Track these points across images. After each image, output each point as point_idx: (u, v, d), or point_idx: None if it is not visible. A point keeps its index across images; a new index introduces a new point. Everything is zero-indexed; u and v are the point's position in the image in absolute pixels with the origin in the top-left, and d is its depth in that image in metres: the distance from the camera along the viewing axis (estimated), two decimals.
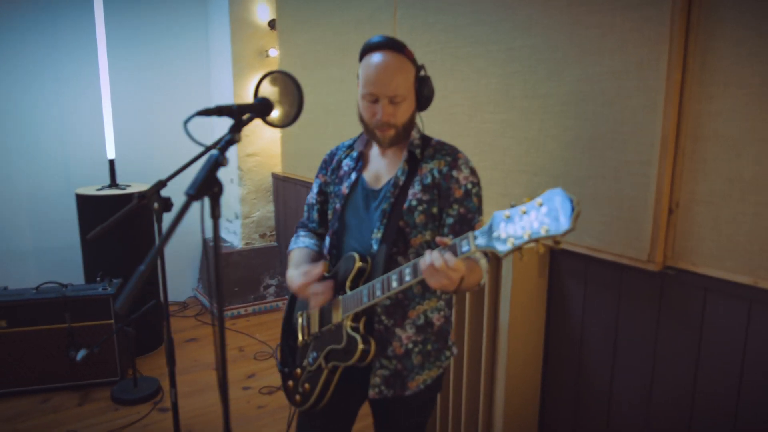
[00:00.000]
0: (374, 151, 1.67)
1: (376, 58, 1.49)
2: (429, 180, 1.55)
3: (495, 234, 1.16)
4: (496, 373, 2.28)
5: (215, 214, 1.11)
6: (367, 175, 1.66)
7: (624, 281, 1.98)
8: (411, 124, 1.57)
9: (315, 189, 1.81)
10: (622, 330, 2.01)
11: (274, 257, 4.40)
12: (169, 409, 3.05)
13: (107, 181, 3.69)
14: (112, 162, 3.65)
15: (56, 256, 4.02)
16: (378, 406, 1.72)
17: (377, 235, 1.56)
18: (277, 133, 4.27)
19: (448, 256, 1.26)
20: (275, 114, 1.41)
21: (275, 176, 4.32)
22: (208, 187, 1.07)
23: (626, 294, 1.98)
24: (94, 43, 3.66)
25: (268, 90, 1.46)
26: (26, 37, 3.78)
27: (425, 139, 1.62)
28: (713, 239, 1.68)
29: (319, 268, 1.56)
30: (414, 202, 1.53)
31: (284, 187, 4.21)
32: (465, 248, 1.23)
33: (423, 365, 1.63)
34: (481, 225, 1.23)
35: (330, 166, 1.77)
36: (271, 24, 4.01)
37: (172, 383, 2.15)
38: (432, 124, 2.19)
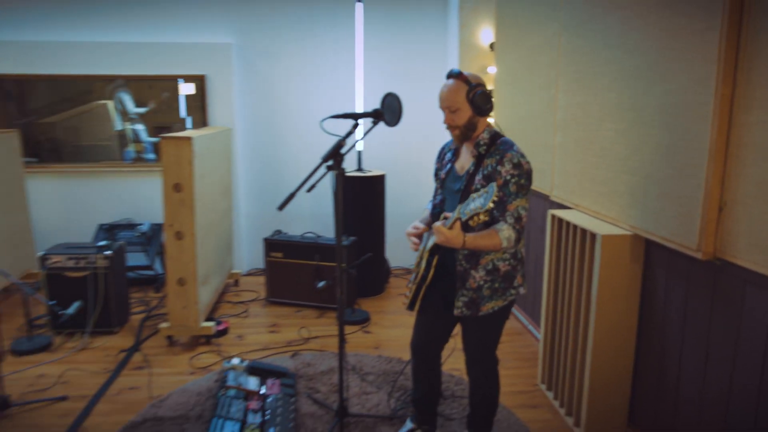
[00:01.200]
0: (464, 148, 2.43)
1: (443, 83, 2.28)
2: (487, 171, 2.25)
3: (463, 210, 1.95)
4: (587, 341, 2.77)
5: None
6: (457, 165, 2.42)
7: (690, 270, 2.34)
8: (471, 125, 2.28)
9: (434, 170, 2.64)
10: (690, 317, 2.37)
11: None
12: (371, 333, 4.16)
13: (355, 167, 4.99)
14: (360, 153, 4.95)
15: (319, 217, 5.51)
16: (463, 322, 2.48)
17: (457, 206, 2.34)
18: None
19: (440, 223, 2.11)
20: (387, 118, 2.31)
21: None
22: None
23: (693, 282, 2.33)
24: (353, 57, 5.00)
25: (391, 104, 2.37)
26: (291, 46, 5.32)
27: (494, 139, 2.31)
28: (749, 236, 1.99)
29: (422, 226, 2.43)
30: (478, 186, 2.25)
31: None
32: (450, 220, 2.08)
33: (491, 297, 2.34)
34: (514, 207, 2.07)
35: (439, 157, 2.57)
36: (491, 46, 4.83)
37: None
38: (571, 130, 2.78)
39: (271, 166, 5.54)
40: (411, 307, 2.49)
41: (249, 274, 5.56)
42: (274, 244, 4.63)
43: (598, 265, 2.64)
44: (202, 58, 5.25)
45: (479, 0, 4.89)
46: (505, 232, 2.18)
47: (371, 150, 5.34)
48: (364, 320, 4.35)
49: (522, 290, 2.41)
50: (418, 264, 2.46)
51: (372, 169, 5.07)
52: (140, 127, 5.94)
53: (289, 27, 5.32)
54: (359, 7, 4.91)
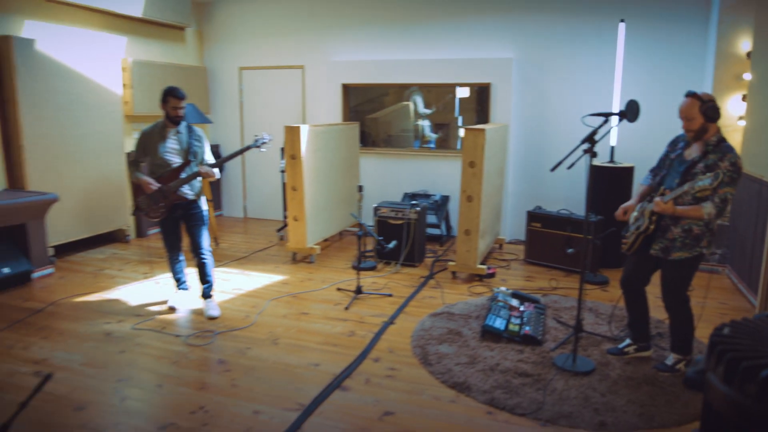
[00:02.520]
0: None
1: (683, 100, 3.27)
2: (710, 162, 3.20)
3: (692, 185, 3.00)
4: None
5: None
6: (686, 152, 3.40)
7: None
8: (702, 129, 3.22)
9: (663, 154, 3.61)
10: None
11: (723, 233, 5.72)
12: (607, 291, 5.16)
13: (608, 159, 5.94)
14: (612, 147, 5.90)
15: (572, 198, 6.55)
16: (660, 266, 3.47)
17: (676, 180, 3.33)
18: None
19: (659, 198, 3.14)
20: (629, 117, 3.41)
21: None
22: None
23: None
24: (613, 68, 5.93)
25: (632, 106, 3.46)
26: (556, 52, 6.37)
27: (719, 142, 3.24)
28: None
29: (631, 202, 3.49)
30: (696, 170, 3.23)
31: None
32: (669, 196, 3.07)
33: (681, 248, 3.31)
34: (723, 192, 3.06)
35: (673, 143, 3.55)
36: (748, 55, 5.35)
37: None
38: None
39: (536, 155, 6.78)
40: (629, 250, 3.55)
41: (510, 243, 6.89)
42: (535, 216, 5.88)
43: None
44: (489, 70, 6.72)
45: (739, 13, 5.45)
46: (708, 208, 3.14)
47: (624, 144, 6.21)
48: (603, 282, 5.35)
49: (705, 251, 3.30)
50: (637, 220, 3.50)
51: (623, 162, 5.98)
52: (427, 124, 7.70)
53: (559, 44, 6.47)
54: (622, 26, 5.85)
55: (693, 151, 3.33)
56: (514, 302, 4.40)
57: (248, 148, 4.55)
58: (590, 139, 3.46)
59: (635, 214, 3.56)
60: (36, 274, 5.31)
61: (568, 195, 6.67)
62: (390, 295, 4.93)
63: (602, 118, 3.57)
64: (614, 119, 3.62)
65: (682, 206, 3.21)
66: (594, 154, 3.54)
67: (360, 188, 5.27)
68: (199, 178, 4.35)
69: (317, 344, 3.96)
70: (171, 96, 4.21)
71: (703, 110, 3.20)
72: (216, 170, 4.42)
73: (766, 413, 1.70)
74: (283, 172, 7.10)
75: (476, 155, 5.11)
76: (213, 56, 8.16)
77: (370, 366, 3.63)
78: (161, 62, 7.21)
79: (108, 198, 6.48)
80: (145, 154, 4.34)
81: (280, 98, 7.90)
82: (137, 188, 4.35)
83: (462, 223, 5.28)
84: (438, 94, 7.55)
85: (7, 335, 4.06)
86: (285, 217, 7.29)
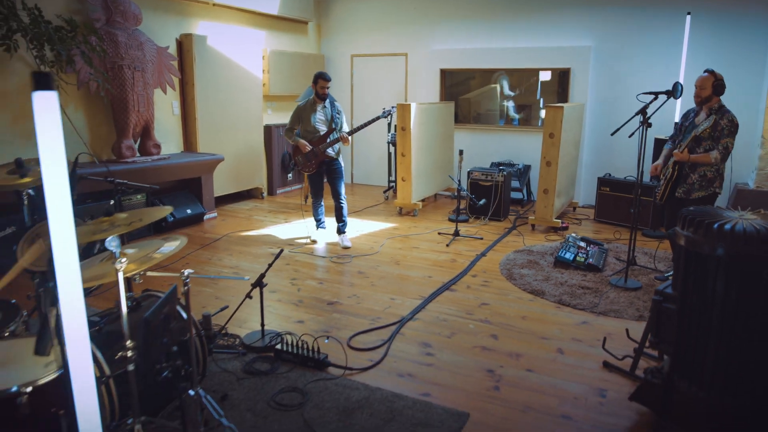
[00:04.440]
0: (702, 111, 4.42)
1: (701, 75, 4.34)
2: (710, 123, 4.26)
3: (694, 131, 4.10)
4: None
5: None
6: (697, 119, 4.45)
7: None
8: (708, 99, 4.29)
9: (678, 124, 4.66)
10: None
11: None
12: (663, 243, 6.19)
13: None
14: (676, 123, 6.83)
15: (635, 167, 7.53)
16: (683, 203, 4.54)
17: (688, 143, 4.39)
18: None
19: (677, 150, 4.23)
20: (676, 95, 4.49)
21: None
22: None
23: None
24: (680, 56, 6.83)
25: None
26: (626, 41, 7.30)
27: (720, 107, 4.29)
28: None
29: (658, 162, 4.58)
30: (700, 130, 4.30)
31: None
32: (683, 147, 4.19)
33: (699, 189, 4.40)
34: (725, 142, 4.16)
35: (685, 115, 4.60)
36: None
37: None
38: None
39: (608, 131, 7.77)
40: (661, 199, 4.63)
41: (583, 207, 7.95)
42: (604, 182, 6.95)
43: None
44: (569, 56, 7.76)
45: None
46: (714, 154, 4.22)
47: None
48: (660, 237, 6.37)
49: (718, 190, 4.36)
50: (664, 173, 4.57)
51: None
52: (511, 104, 8.82)
53: (631, 33, 7.43)
54: (688, 18, 6.76)
55: (701, 118, 4.39)
56: (582, 244, 5.55)
57: (378, 118, 5.93)
58: (643, 111, 4.56)
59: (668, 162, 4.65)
60: (206, 216, 6.95)
61: (633, 165, 7.62)
62: (481, 238, 6.20)
63: (652, 96, 4.66)
64: (662, 97, 4.69)
65: (694, 155, 4.30)
66: (648, 125, 4.63)
67: (461, 152, 6.49)
68: (339, 142, 5.75)
69: (428, 265, 5.30)
70: (321, 78, 5.62)
71: (714, 84, 4.26)
72: (350, 137, 5.81)
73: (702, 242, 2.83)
74: (389, 143, 8.49)
75: (555, 128, 6.24)
76: (329, 45, 9.61)
77: (469, 279, 4.93)
78: (290, 51, 8.73)
79: (249, 162, 8.07)
80: (298, 122, 5.79)
81: (385, 81, 9.25)
82: (295, 149, 5.81)
83: (541, 184, 6.44)
84: (521, 77, 8.65)
85: (202, 252, 5.65)
86: (390, 181, 8.68)
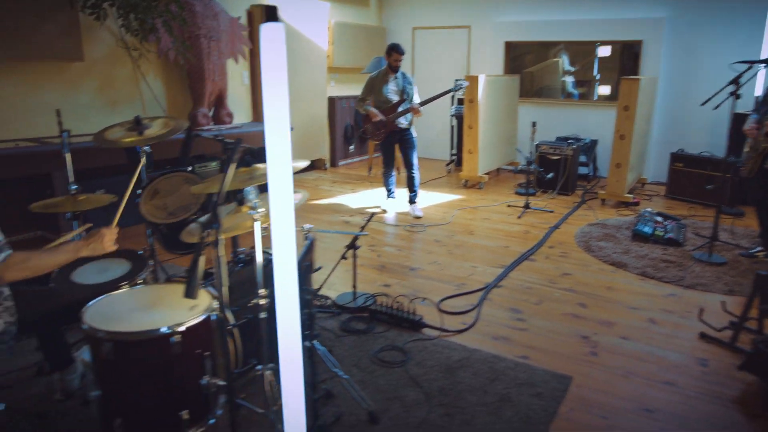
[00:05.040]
0: None
1: None
2: None
3: None
4: None
5: None
6: None
7: None
8: None
9: (762, 96, 4.47)
10: None
11: None
12: (741, 220, 6.02)
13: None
14: (756, 97, 6.59)
15: (714, 141, 7.31)
16: None
17: None
18: None
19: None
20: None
21: None
22: None
23: None
24: (763, 28, 6.57)
25: None
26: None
27: None
28: None
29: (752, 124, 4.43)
30: None
31: None
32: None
33: None
34: None
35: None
36: None
37: None
38: None
39: (681, 105, 7.56)
40: (750, 173, 4.47)
41: (651, 183, 7.77)
42: (678, 157, 6.77)
43: None
44: (641, 28, 7.54)
45: None
46: None
47: None
48: (738, 214, 6.20)
49: None
50: (755, 148, 4.42)
51: None
52: (570, 80, 8.63)
53: (708, 4, 7.16)
54: None
55: None
56: (659, 218, 5.45)
57: (449, 91, 5.90)
58: (736, 81, 4.42)
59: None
60: None
61: (708, 140, 7.42)
62: (551, 211, 6.14)
63: (746, 66, 4.50)
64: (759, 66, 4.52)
65: None
66: (738, 96, 4.48)
67: (534, 124, 6.40)
68: (411, 113, 5.75)
69: (502, 236, 5.29)
70: (395, 51, 5.61)
71: None
72: (422, 108, 5.80)
73: None
74: (453, 116, 8.44)
75: (630, 101, 6.10)
76: (390, 18, 9.56)
77: (547, 250, 4.91)
78: (353, 23, 8.72)
79: (313, 134, 8.15)
80: (371, 93, 5.81)
81: (447, 55, 9.17)
82: (366, 118, 5.84)
83: (614, 157, 6.33)
84: (578, 53, 8.43)
85: None
86: (452, 154, 8.65)
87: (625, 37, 7.71)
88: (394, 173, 6.13)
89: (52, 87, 5.19)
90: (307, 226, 2.55)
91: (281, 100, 1.18)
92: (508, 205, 6.42)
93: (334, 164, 8.71)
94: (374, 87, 5.78)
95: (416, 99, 5.85)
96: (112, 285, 2.27)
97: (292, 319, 1.27)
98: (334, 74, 8.60)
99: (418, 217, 5.85)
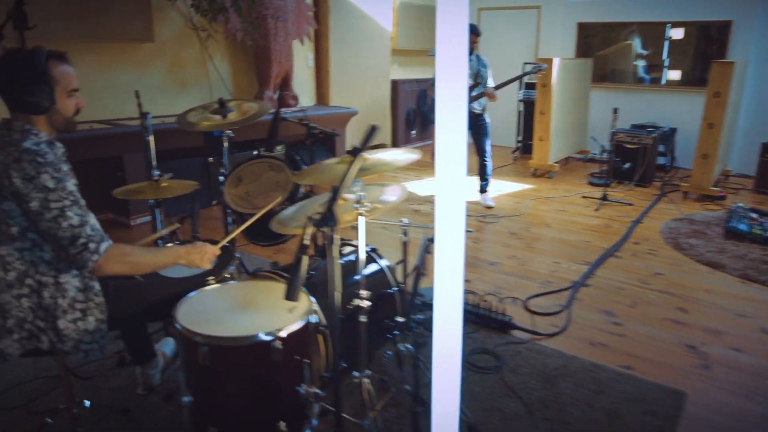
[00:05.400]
0: None
1: None
2: None
3: None
4: None
5: None
6: None
7: None
8: None
9: None
10: None
11: None
12: None
13: None
14: None
15: None
16: None
17: None
18: None
19: None
20: None
21: None
22: None
23: None
24: None
25: None
26: None
27: None
28: None
29: None
30: None
31: None
32: None
33: None
34: None
35: None
36: None
37: None
38: None
39: None
40: None
41: (736, 175, 7.25)
42: None
43: None
44: (730, 7, 6.99)
45: None
46: None
47: None
48: None
49: None
50: None
51: None
52: (642, 63, 8.13)
53: None
54: None
55: None
56: (754, 215, 5.04)
57: (527, 74, 5.60)
58: None
59: None
60: None
61: None
62: (631, 204, 5.78)
63: None
64: None
65: None
66: None
67: (615, 110, 5.99)
68: (485, 97, 5.47)
69: (581, 230, 4.99)
70: (471, 32, 5.32)
71: None
72: (496, 92, 5.51)
73: None
74: (520, 101, 8.10)
75: (723, 86, 5.65)
76: None
77: (632, 246, 4.59)
78: (418, 3, 8.43)
79: (375, 117, 7.93)
80: None
81: (514, 37, 8.79)
82: None
83: (700, 148, 5.90)
84: (648, 35, 7.91)
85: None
86: (517, 141, 8.32)
87: (711, 17, 7.19)
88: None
89: (123, 68, 5.13)
90: (404, 220, 2.35)
91: (461, 68, 0.96)
92: (583, 196, 6.08)
93: (395, 146, 8.48)
94: None
95: (490, 83, 5.56)
96: (200, 279, 2.13)
97: (454, 343, 1.08)
98: (397, 56, 8.35)
99: (490, 207, 5.59)
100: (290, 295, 1.70)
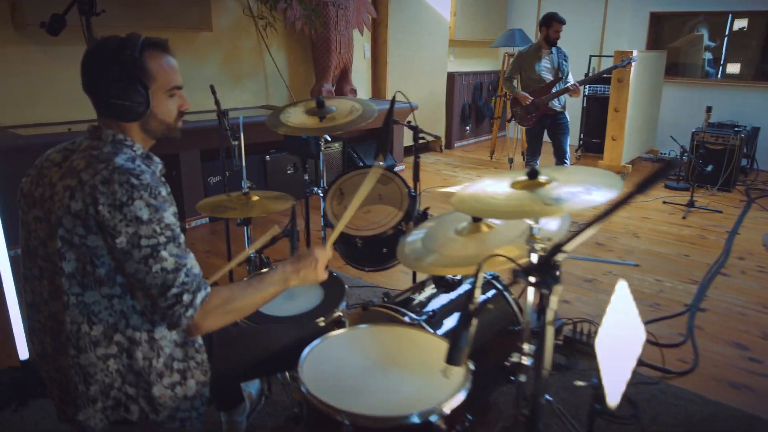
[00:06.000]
0: None
1: None
2: None
3: None
4: None
5: None
6: None
7: None
8: None
9: None
10: None
11: None
12: None
13: None
14: None
15: None
16: None
17: None
18: None
19: None
20: None
21: None
22: None
23: None
24: None
25: None
26: None
27: None
28: None
29: None
30: None
31: None
32: None
33: None
34: None
35: None
36: None
37: None
38: None
39: None
40: None
41: None
42: None
43: None
44: None
45: None
46: None
47: None
48: None
49: None
50: None
51: None
52: (708, 56, 7.58)
53: None
54: None
55: None
56: None
57: (615, 67, 5.16)
58: None
59: None
60: (396, 168, 6.54)
61: None
62: (720, 212, 5.31)
63: None
64: None
65: None
66: None
67: (708, 109, 5.46)
68: (566, 93, 5.03)
69: (674, 240, 4.55)
70: (555, 21, 4.89)
71: None
72: (581, 87, 5.07)
73: None
74: (585, 96, 7.62)
75: None
76: None
77: (738, 263, 4.14)
78: None
79: (430, 112, 7.54)
80: (519, 71, 5.13)
81: (578, 26, 8.27)
82: (514, 100, 5.17)
83: None
84: (713, 26, 7.34)
85: None
86: (580, 138, 7.85)
87: None
88: (537, 164, 5.46)
89: (180, 58, 4.80)
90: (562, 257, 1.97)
91: None
92: (664, 202, 5.62)
93: (449, 146, 8.09)
94: (524, 64, 5.09)
95: (571, 77, 5.12)
96: (309, 319, 1.77)
97: None
98: (453, 48, 7.92)
99: None
100: (452, 359, 1.33)
